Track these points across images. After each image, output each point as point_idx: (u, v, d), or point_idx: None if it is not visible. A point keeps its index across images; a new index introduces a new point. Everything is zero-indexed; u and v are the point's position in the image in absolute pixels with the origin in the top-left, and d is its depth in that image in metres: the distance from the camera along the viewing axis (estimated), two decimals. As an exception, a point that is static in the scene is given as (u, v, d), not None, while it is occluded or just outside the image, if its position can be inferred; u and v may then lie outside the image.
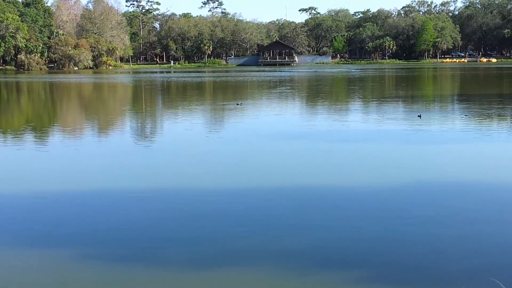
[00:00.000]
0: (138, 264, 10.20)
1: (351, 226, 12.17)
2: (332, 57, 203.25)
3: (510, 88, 65.63)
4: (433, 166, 18.43)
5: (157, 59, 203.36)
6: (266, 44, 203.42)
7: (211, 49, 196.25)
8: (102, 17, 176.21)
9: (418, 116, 32.10)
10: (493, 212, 13.13)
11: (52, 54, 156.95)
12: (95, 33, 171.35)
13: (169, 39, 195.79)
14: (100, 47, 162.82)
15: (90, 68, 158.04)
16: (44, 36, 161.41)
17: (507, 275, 9.07)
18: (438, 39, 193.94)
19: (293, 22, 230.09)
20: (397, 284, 9.20)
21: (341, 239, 11.40)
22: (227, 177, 17.25)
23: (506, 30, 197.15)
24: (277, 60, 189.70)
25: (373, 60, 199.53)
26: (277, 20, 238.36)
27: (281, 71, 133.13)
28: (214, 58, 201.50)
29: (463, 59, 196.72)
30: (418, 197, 14.57)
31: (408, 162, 19.28)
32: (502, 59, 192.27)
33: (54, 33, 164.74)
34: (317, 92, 60.38)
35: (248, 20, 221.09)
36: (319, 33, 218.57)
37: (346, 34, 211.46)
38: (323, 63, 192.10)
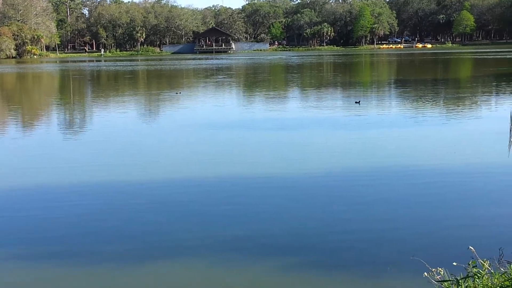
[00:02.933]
0: (69, 260, 10.01)
1: (290, 214, 12.28)
2: (270, 44, 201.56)
3: (444, 73, 67.50)
4: (372, 151, 18.91)
5: (86, 47, 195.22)
6: (202, 31, 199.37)
7: (144, 36, 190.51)
8: (26, 3, 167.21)
9: (357, 102, 32.34)
10: (425, 195, 13.59)
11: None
12: (18, 20, 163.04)
13: (99, 26, 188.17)
14: (23, 35, 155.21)
15: (13, 57, 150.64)
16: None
17: (431, 254, 9.43)
18: (375, 25, 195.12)
19: (229, 8, 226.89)
20: (331, 268, 9.47)
21: (279, 227, 11.48)
22: (162, 168, 16.89)
23: (441, 16, 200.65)
24: (214, 47, 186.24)
25: (311, 46, 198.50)
26: (213, 6, 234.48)
27: (218, 58, 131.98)
28: (147, 46, 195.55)
29: (399, 45, 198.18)
30: (355, 182, 14.90)
31: (347, 148, 19.60)
32: (437, 45, 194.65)
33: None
34: (256, 80, 61.06)
35: (182, 6, 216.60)
36: (256, 19, 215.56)
37: (284, 21, 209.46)
38: (261, 50, 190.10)
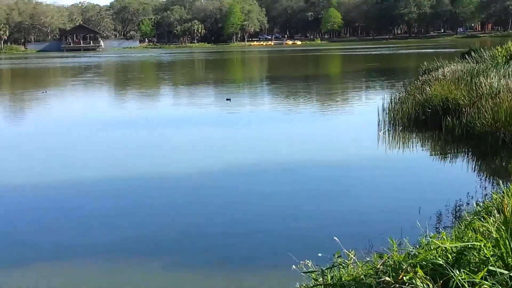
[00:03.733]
0: None
1: (166, 214, 12.25)
2: (140, 42, 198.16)
3: (315, 69, 68.84)
4: (245, 148, 19.04)
5: None
6: (69, 29, 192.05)
7: (7, 34, 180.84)
8: None
9: (228, 99, 32.33)
10: (296, 190, 13.79)
11: None
12: None
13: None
14: None
15: None
16: None
17: (298, 248, 9.45)
18: (246, 22, 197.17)
19: (97, 5, 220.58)
20: (204, 267, 9.56)
21: (156, 227, 11.44)
22: (37, 171, 16.42)
23: (309, 13, 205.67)
24: (82, 45, 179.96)
25: (182, 44, 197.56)
26: (79, 2, 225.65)
27: (86, 56, 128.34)
28: (11, 44, 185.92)
29: (270, 42, 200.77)
30: (230, 180, 14.98)
31: (221, 146, 19.53)
32: (306, 42, 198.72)
33: None
34: (127, 78, 60.29)
35: (48, 3, 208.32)
36: (125, 16, 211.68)
37: (153, 18, 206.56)
38: (130, 47, 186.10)
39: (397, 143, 18.93)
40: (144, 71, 75.62)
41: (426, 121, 20.76)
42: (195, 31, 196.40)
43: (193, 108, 30.75)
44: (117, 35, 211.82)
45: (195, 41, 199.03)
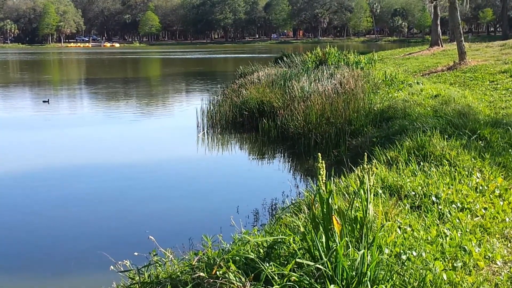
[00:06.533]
0: None
1: None
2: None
3: (135, 72, 68.52)
4: (66, 150, 18.55)
5: None
6: None
7: None
8: None
9: (45, 101, 31.37)
10: (114, 191, 13.75)
11: None
12: None
13: None
14: None
15: None
16: None
17: (117, 249, 9.53)
18: (61, 23, 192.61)
19: None
20: (18, 271, 9.33)
21: None
22: None
23: (126, 16, 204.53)
24: None
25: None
26: None
27: None
28: None
29: (87, 44, 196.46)
30: (43, 182, 14.53)
31: (39, 149, 18.96)
32: (125, 44, 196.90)
33: None
34: None
35: None
36: None
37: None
38: None
39: (216, 145, 19.30)
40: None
41: (244, 123, 21.35)
42: (8, 31, 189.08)
43: (7, 110, 29.57)
44: None
45: (9, 42, 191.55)
